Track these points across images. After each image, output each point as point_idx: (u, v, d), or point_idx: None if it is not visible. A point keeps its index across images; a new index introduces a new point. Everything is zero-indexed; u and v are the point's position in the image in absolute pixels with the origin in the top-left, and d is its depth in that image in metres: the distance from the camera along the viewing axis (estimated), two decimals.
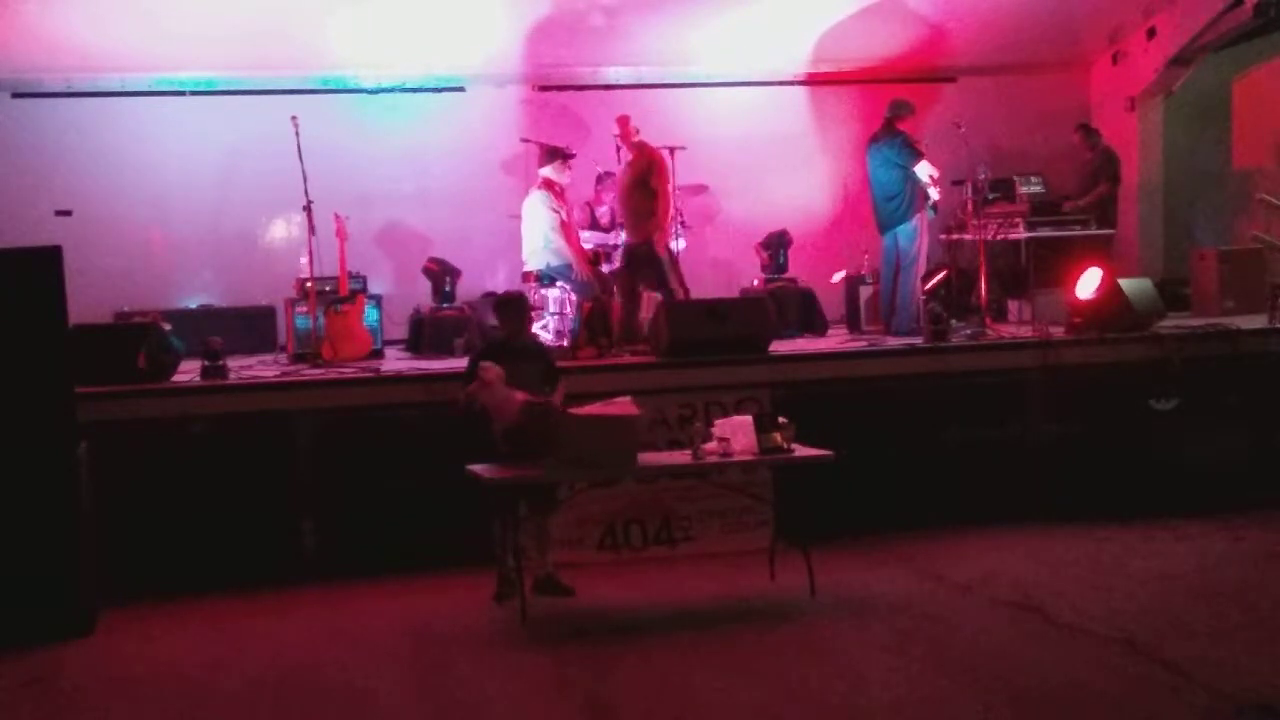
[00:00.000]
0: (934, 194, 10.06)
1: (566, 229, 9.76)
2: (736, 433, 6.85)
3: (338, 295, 9.57)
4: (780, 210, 11.58)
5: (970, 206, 10.62)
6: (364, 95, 11.41)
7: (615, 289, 9.81)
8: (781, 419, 6.91)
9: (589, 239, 10.34)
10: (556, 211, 9.75)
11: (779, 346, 9.09)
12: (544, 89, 11.76)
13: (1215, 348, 9.02)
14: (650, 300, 9.93)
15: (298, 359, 9.40)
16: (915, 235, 10.01)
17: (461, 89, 11.57)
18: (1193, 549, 7.74)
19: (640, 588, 7.35)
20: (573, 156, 10.15)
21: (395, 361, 9.55)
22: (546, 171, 9.93)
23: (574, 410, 6.65)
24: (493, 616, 6.84)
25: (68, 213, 10.59)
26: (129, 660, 6.37)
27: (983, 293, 10.06)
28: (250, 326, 10.52)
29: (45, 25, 9.95)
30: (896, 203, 10.04)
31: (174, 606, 7.18)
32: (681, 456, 7.02)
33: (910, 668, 5.81)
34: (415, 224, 11.43)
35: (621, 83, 11.83)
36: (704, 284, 10.98)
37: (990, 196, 11.17)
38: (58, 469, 6.70)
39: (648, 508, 7.96)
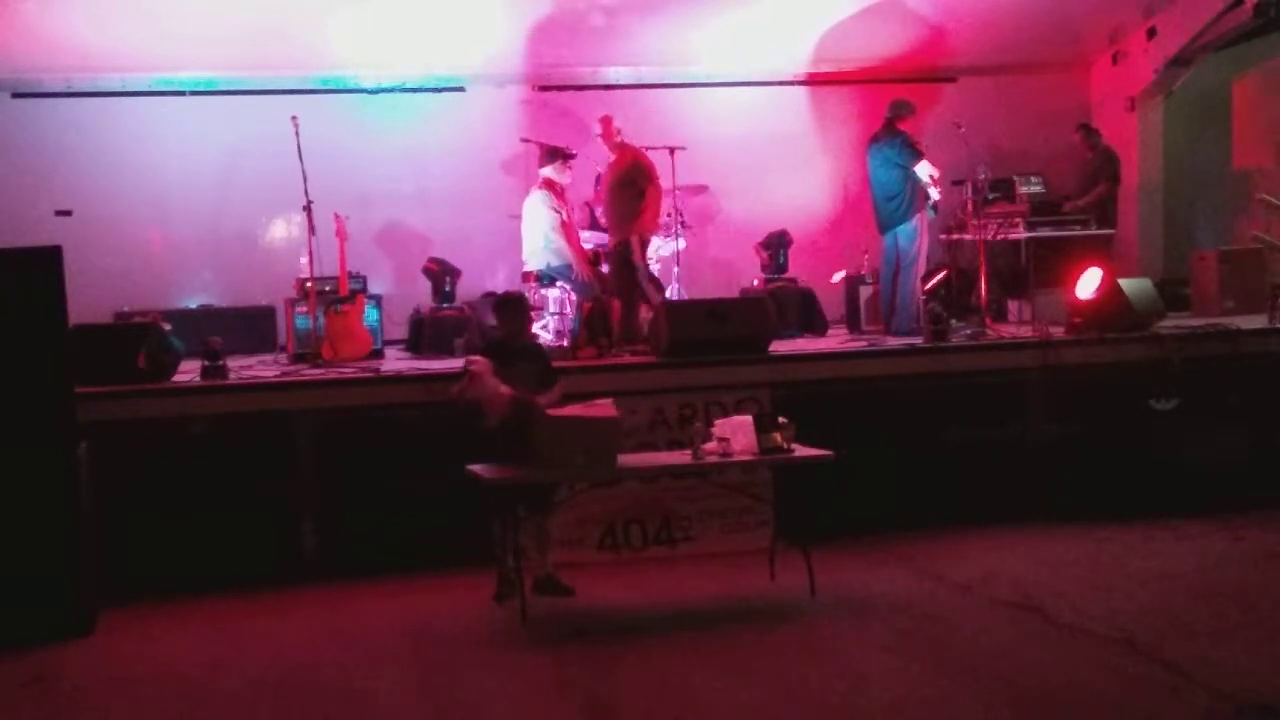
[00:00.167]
0: (934, 194, 10.07)
1: (567, 229, 9.77)
2: (736, 433, 6.85)
3: (338, 295, 9.57)
4: (780, 210, 11.59)
5: (970, 206, 10.63)
6: (364, 95, 11.42)
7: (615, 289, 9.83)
8: (781, 419, 6.91)
9: (589, 239, 10.34)
10: (557, 211, 9.75)
11: (779, 346, 9.09)
12: (544, 89, 11.76)
13: (1215, 348, 9.01)
14: None
15: (298, 359, 9.40)
16: (915, 235, 10.02)
17: (461, 89, 11.57)
18: (1193, 549, 7.73)
19: (640, 588, 7.35)
20: (573, 157, 10.16)
21: (395, 361, 9.56)
22: (547, 172, 9.94)
23: (553, 412, 6.63)
24: (493, 616, 6.83)
25: (68, 213, 10.60)
26: (129, 660, 6.36)
27: (983, 293, 10.06)
28: (250, 326, 10.54)
29: (45, 25, 9.96)
30: (897, 202, 10.04)
31: (174, 606, 7.17)
32: (681, 456, 7.02)
33: (910, 668, 5.81)
34: (415, 224, 11.44)
35: (621, 83, 11.84)
36: (704, 284, 11.01)
37: (990, 196, 11.17)
38: (58, 469, 6.69)
39: (648, 508, 7.96)
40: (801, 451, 6.87)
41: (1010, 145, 12.11)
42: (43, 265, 6.75)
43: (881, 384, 8.65)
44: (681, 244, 10.57)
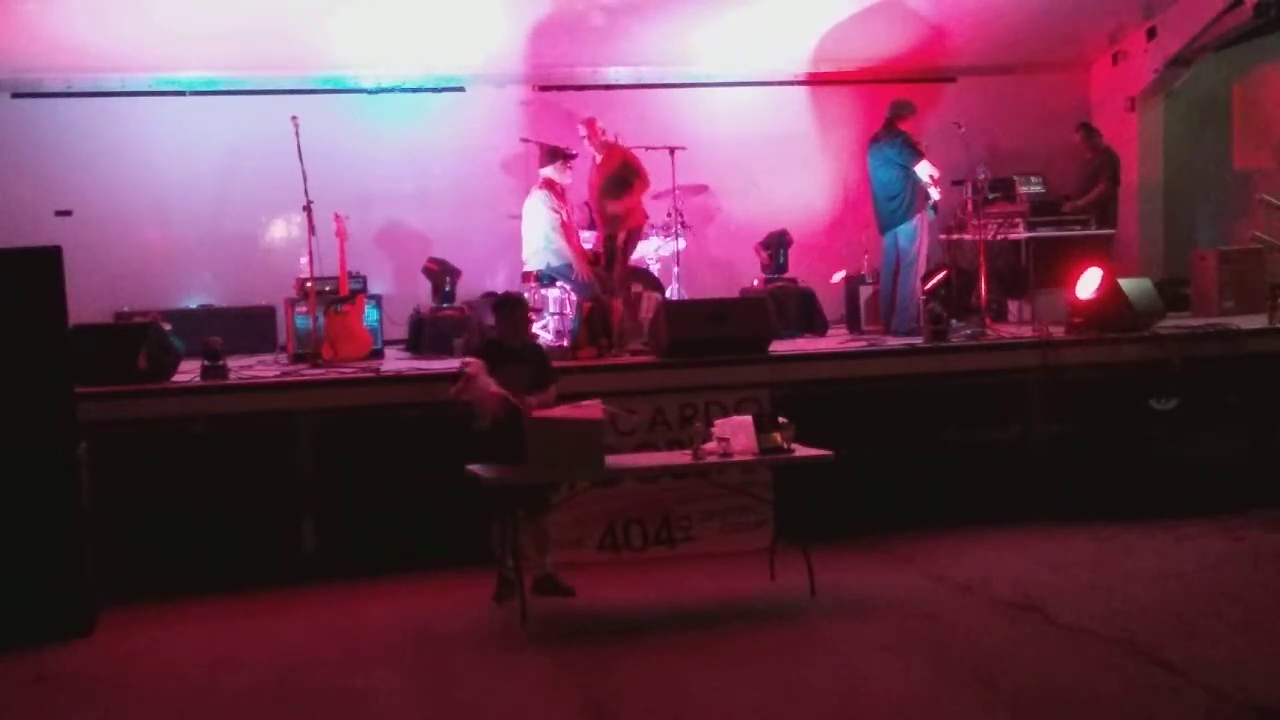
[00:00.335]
0: (934, 194, 10.07)
1: (567, 229, 9.77)
2: (736, 433, 6.85)
3: (338, 295, 9.56)
4: (780, 210, 11.58)
5: (970, 206, 10.62)
6: (364, 95, 11.41)
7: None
8: (781, 419, 6.91)
9: (589, 239, 10.34)
10: (557, 212, 9.75)
11: (779, 346, 9.09)
12: (544, 89, 11.75)
13: (1215, 348, 9.02)
14: (650, 300, 9.95)
15: (298, 359, 9.39)
16: (915, 235, 10.02)
17: (461, 89, 11.56)
18: (1193, 549, 7.73)
19: (640, 588, 7.35)
20: (574, 157, 10.15)
21: (395, 361, 9.55)
22: (547, 172, 9.94)
23: (539, 413, 6.61)
24: (493, 616, 6.84)
25: (68, 213, 10.59)
26: (129, 660, 6.37)
27: (983, 293, 10.05)
28: (250, 326, 10.53)
29: (45, 25, 9.95)
30: (897, 202, 10.04)
31: (174, 606, 7.17)
32: (681, 456, 7.02)
33: (910, 668, 5.81)
34: (415, 224, 11.43)
35: (621, 83, 11.83)
36: (704, 284, 11.01)
37: (990, 196, 11.17)
38: (58, 469, 6.70)
39: (648, 508, 7.96)
40: (801, 451, 6.87)
41: (1010, 145, 12.09)
42: (43, 265, 6.75)
43: (881, 384, 8.64)
44: (681, 244, 10.58)
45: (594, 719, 5.43)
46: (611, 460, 6.90)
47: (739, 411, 7.61)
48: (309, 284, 9.57)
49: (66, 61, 10.52)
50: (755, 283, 11.28)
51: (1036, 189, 11.74)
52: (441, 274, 10.48)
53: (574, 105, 11.60)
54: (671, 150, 10.47)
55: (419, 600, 7.19)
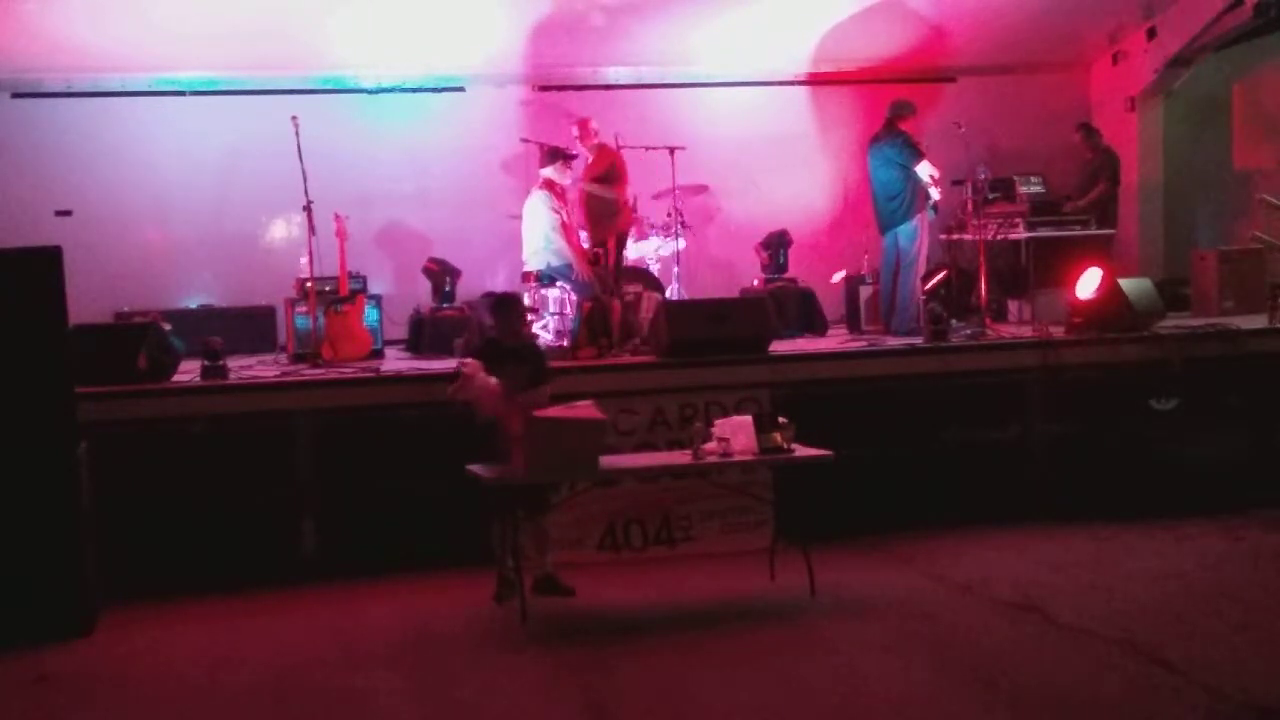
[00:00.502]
0: (934, 194, 10.07)
1: (567, 229, 9.77)
2: (736, 433, 6.85)
3: (338, 295, 9.56)
4: (780, 210, 11.59)
5: (970, 206, 10.62)
6: (364, 95, 11.41)
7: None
8: (781, 419, 6.91)
9: (589, 239, 10.33)
10: (557, 212, 9.75)
11: (779, 346, 9.09)
12: (544, 89, 11.76)
13: (1215, 348, 9.02)
14: (650, 300, 9.95)
15: (298, 359, 9.39)
16: (915, 235, 10.02)
17: (461, 89, 11.57)
18: (1193, 549, 7.73)
19: (640, 588, 7.35)
20: (574, 157, 10.16)
21: (395, 361, 9.55)
22: (548, 172, 9.93)
23: (537, 413, 6.59)
24: (493, 616, 6.84)
25: (68, 213, 10.60)
26: (129, 660, 6.37)
27: (983, 293, 10.05)
28: (250, 326, 10.53)
29: (45, 25, 9.95)
30: (897, 202, 10.04)
31: (174, 606, 7.17)
32: (681, 456, 7.02)
33: (910, 668, 5.81)
34: (415, 224, 11.44)
35: (621, 83, 11.84)
36: (704, 284, 11.01)
37: (990, 196, 11.17)
38: (58, 469, 6.70)
39: (648, 508, 7.96)
40: (801, 451, 6.87)
41: (1010, 145, 12.09)
42: (43, 265, 6.75)
43: (881, 384, 8.64)
44: (681, 244, 10.58)
45: (594, 719, 5.43)
46: (611, 460, 6.90)
47: (739, 411, 7.61)
48: (309, 284, 9.57)
49: (66, 61, 10.52)
50: (755, 283, 11.28)
51: (1036, 189, 11.74)
52: (441, 274, 10.48)
53: (574, 105, 11.60)
54: (671, 150, 10.48)
55: (419, 600, 7.19)
